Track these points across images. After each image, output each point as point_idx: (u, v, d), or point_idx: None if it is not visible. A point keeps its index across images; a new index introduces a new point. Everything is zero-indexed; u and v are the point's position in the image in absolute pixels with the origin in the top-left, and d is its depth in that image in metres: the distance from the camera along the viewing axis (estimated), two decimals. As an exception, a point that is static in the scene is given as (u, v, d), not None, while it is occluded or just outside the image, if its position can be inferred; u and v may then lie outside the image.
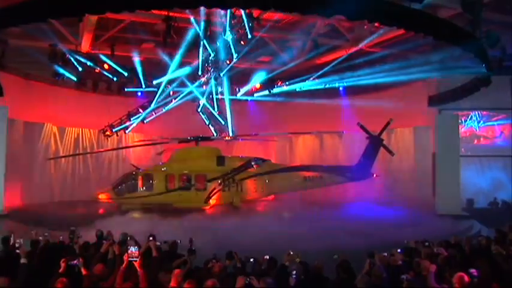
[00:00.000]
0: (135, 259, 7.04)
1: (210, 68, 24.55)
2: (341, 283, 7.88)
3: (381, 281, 7.47)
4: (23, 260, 7.59)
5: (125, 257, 7.18)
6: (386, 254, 9.26)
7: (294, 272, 7.53)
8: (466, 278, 6.68)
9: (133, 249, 7.13)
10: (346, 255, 8.77)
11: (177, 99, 27.48)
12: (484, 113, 27.61)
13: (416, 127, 29.31)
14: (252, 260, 9.13)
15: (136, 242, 10.68)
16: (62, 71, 24.39)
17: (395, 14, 13.03)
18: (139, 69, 25.63)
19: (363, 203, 25.41)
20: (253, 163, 25.88)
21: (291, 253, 9.02)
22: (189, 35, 22.32)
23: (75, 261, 7.37)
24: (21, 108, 25.51)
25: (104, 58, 24.67)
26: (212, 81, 25.74)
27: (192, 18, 21.29)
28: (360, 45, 23.98)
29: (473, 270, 7.17)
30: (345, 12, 12.44)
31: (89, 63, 24.27)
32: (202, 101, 27.12)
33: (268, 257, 9.05)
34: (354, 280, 7.88)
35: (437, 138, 25.79)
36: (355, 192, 27.78)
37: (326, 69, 25.67)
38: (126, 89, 27.64)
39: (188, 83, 26.10)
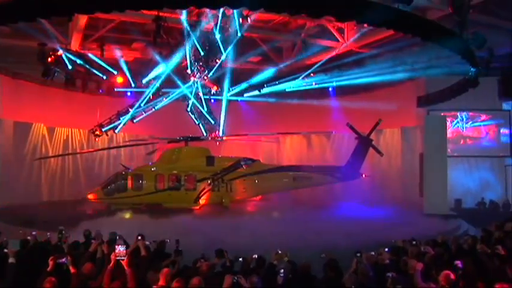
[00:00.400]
0: (122, 258, 7.05)
1: (200, 67, 24.50)
2: (328, 282, 7.95)
3: (367, 279, 7.55)
4: (11, 260, 7.57)
5: (112, 256, 7.18)
6: (373, 253, 9.35)
7: (282, 271, 7.58)
8: (452, 276, 6.78)
9: (120, 249, 7.13)
10: (333, 255, 8.84)
11: (166, 99, 27.39)
12: (471, 114, 27.84)
13: (404, 127, 29.60)
14: (240, 259, 9.16)
15: (125, 242, 10.71)
16: (51, 70, 24.20)
17: (384, 15, 13.12)
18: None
19: (350, 203, 25.57)
20: (242, 163, 25.90)
21: (279, 252, 9.09)
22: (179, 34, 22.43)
23: (63, 259, 7.36)
24: (10, 108, 25.38)
25: (93, 57, 24.54)
26: (201, 81, 25.69)
27: (182, 18, 21.28)
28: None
29: (457, 262, 7.27)
30: (334, 13, 12.52)
31: (78, 61, 24.07)
32: (192, 100, 27.08)
33: (256, 256, 9.09)
34: (341, 279, 7.95)
35: (425, 139, 26.07)
36: (341, 193, 27.93)
37: (313, 68, 25.75)
38: (116, 89, 27.53)
39: (178, 82, 26.05)
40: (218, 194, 25.41)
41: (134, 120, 27.57)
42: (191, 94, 26.73)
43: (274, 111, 30.99)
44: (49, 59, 23.43)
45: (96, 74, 25.75)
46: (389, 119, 26.46)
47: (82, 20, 21.59)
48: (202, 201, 25.21)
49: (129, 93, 28.07)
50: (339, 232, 16.05)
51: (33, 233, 11.37)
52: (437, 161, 25.17)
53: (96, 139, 28.74)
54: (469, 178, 27.29)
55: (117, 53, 24.80)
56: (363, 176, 26.90)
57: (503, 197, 26.35)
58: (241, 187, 26.09)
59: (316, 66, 25.66)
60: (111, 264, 7.15)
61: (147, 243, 9.74)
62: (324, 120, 29.75)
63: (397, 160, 29.27)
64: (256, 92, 28.27)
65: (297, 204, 24.81)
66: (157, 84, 26.33)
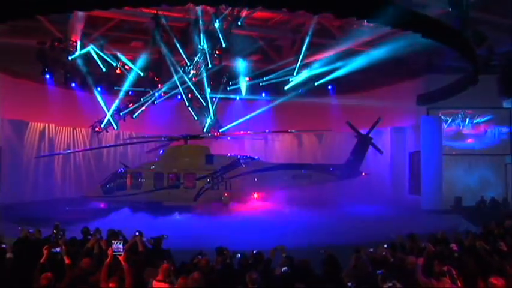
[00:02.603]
0: (119, 253, 7.01)
1: (199, 63, 24.30)
2: (327, 277, 7.91)
3: (366, 275, 7.51)
4: (9, 255, 7.55)
5: (109, 252, 7.16)
6: (371, 250, 9.31)
7: (285, 268, 7.50)
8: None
9: (118, 244, 7.10)
10: (332, 251, 8.81)
11: (167, 95, 27.30)
12: (471, 112, 27.83)
13: (394, 127, 29.82)
14: (238, 255, 9.11)
15: (124, 238, 10.68)
16: (49, 69, 24.13)
17: (383, 11, 13.06)
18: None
19: (343, 201, 25.68)
20: (242, 161, 25.90)
21: (278, 248, 9.05)
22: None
23: (58, 249, 7.34)
24: (7, 106, 25.32)
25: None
26: (203, 76, 25.56)
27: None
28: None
29: (453, 245, 7.20)
30: (332, 10, 12.46)
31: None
32: (192, 96, 27.05)
33: (255, 252, 9.04)
34: (339, 274, 7.92)
35: (422, 139, 26.83)
36: (331, 192, 28.10)
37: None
38: (115, 88, 27.42)
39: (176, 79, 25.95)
40: (218, 192, 25.38)
41: (134, 116, 27.44)
42: (191, 91, 26.62)
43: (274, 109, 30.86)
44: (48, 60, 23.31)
45: (94, 73, 25.63)
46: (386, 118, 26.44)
47: (81, 17, 21.56)
48: (201, 199, 25.16)
49: (130, 92, 27.89)
50: (337, 229, 16.05)
51: (30, 230, 11.32)
52: (434, 160, 26.07)
53: (97, 135, 28.73)
54: (469, 176, 27.29)
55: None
56: (363, 174, 26.86)
57: (503, 195, 26.28)
58: (240, 185, 26.04)
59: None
60: (108, 260, 7.12)
61: (145, 239, 9.69)
62: (320, 118, 29.67)
63: (386, 159, 29.24)
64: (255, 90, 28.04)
65: (295, 202, 24.84)
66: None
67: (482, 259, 8.67)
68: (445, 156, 27.25)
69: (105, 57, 24.24)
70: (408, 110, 27.58)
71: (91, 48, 23.55)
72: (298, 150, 34.07)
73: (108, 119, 27.14)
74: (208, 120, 27.27)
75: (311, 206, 24.00)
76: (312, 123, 29.51)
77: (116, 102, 26.36)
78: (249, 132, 28.17)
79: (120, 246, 7.08)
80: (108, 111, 26.77)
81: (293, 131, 30.18)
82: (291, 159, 30.54)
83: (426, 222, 18.94)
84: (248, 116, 27.44)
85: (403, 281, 6.80)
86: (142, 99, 26.77)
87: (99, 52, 23.91)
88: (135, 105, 27.03)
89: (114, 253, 7.04)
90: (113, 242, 7.26)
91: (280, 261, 8.35)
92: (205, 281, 6.83)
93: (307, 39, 23.25)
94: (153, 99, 26.75)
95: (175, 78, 25.54)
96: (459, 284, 6.94)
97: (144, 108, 27.38)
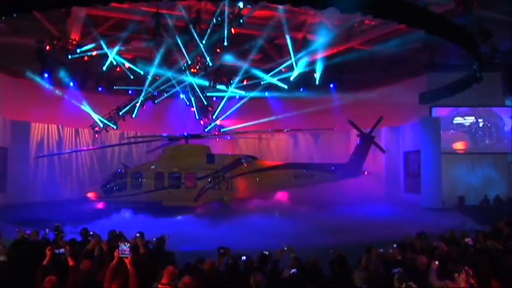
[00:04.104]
0: (126, 256, 6.78)
1: (199, 60, 23.94)
2: (336, 278, 7.66)
3: (379, 276, 7.27)
4: (2, 258, 7.31)
5: (116, 254, 6.93)
6: (382, 250, 9.05)
7: (294, 270, 7.23)
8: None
9: (124, 247, 6.87)
10: (341, 251, 8.57)
11: (168, 93, 27.10)
12: (473, 110, 27.57)
13: (390, 127, 29.61)
14: (244, 257, 8.84)
15: (126, 239, 10.43)
16: (49, 68, 23.88)
17: (389, 6, 12.83)
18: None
19: (341, 201, 25.35)
20: (243, 161, 25.67)
21: (285, 249, 8.79)
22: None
23: (61, 250, 7.10)
24: (9, 107, 25.09)
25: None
26: (203, 74, 25.31)
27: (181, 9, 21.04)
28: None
29: (468, 239, 6.96)
30: (338, 5, 12.21)
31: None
32: (193, 94, 26.89)
33: (266, 253, 8.75)
34: (349, 275, 7.67)
35: (422, 139, 27.15)
36: (326, 191, 27.67)
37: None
38: (115, 87, 27.22)
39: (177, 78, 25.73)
40: (219, 191, 25.12)
41: (133, 115, 27.22)
42: (192, 89, 26.44)
43: (275, 107, 30.63)
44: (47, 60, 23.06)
45: (95, 72, 25.43)
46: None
47: (81, 16, 21.35)
48: (202, 199, 24.90)
49: (129, 92, 27.65)
50: (343, 228, 15.84)
51: (28, 232, 11.03)
52: (434, 159, 26.49)
53: (97, 135, 28.47)
54: (472, 175, 27.00)
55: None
56: (365, 173, 26.62)
57: (507, 194, 26.04)
58: (242, 185, 25.81)
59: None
60: (114, 262, 6.91)
61: (150, 240, 9.48)
62: (322, 117, 29.39)
63: (381, 158, 29.07)
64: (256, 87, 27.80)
65: (294, 202, 24.68)
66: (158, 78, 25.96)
67: (495, 259, 8.42)
68: (447, 155, 27.11)
69: (106, 57, 24.00)
70: (410, 108, 27.31)
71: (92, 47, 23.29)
72: (293, 149, 33.84)
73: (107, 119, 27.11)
74: (210, 119, 27.15)
75: (310, 206, 23.89)
76: (313, 122, 29.21)
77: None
78: (250, 131, 27.94)
79: (127, 248, 6.84)
80: (118, 111, 26.77)
81: (288, 130, 29.82)
82: (286, 159, 30.16)
83: (430, 221, 18.71)
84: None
85: (417, 282, 6.55)
86: (141, 98, 26.58)
87: (99, 51, 23.66)
88: (130, 104, 26.85)
89: (120, 256, 6.82)
90: (119, 244, 7.03)
91: (289, 262, 8.10)
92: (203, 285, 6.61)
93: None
94: (147, 96, 26.52)
95: (176, 77, 25.40)
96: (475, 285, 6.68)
97: (143, 107, 27.22)
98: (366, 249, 8.44)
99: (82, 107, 26.96)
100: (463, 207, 25.24)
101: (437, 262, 7.06)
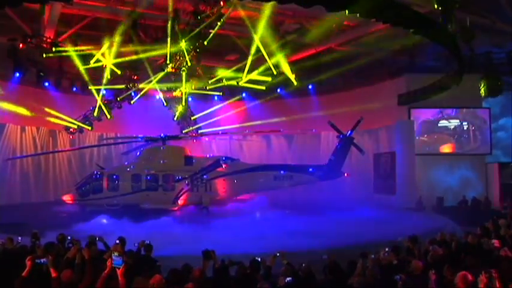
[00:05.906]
0: (118, 266, 6.43)
1: (178, 60, 23.46)
2: (331, 285, 7.37)
3: (375, 281, 7.00)
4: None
5: (109, 263, 6.57)
6: (374, 255, 8.78)
7: (289, 279, 6.89)
8: (470, 277, 6.22)
9: (117, 257, 6.53)
10: (335, 256, 8.30)
11: (142, 92, 26.58)
12: (451, 111, 27.77)
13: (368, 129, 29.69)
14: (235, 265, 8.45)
15: (105, 244, 9.97)
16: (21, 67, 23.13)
17: (373, 5, 12.67)
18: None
19: (315, 203, 25.49)
20: (222, 162, 25.29)
21: (277, 255, 8.43)
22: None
23: (43, 259, 6.63)
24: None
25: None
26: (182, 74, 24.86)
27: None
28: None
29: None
30: (324, 3, 12.00)
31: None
32: (168, 95, 26.46)
33: (258, 259, 8.35)
34: (343, 281, 7.40)
35: (397, 142, 27.97)
36: (300, 194, 27.98)
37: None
38: (89, 87, 26.52)
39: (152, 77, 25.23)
40: (197, 194, 24.67)
41: (109, 116, 26.61)
42: (169, 90, 25.99)
43: (253, 109, 30.39)
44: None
45: (69, 72, 24.75)
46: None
47: (55, 14, 20.72)
48: (180, 201, 24.44)
49: (104, 92, 26.98)
50: (333, 232, 15.61)
51: (2, 241, 10.35)
52: (408, 160, 27.22)
53: (71, 136, 27.77)
54: (450, 176, 27.18)
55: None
56: (345, 175, 26.50)
57: (484, 195, 26.26)
58: (221, 187, 25.41)
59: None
60: (106, 271, 6.55)
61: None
62: (301, 118, 29.28)
63: (351, 160, 28.98)
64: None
65: (273, 204, 24.48)
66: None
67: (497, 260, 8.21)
68: (425, 157, 27.33)
69: (81, 56, 23.34)
70: (389, 109, 27.39)
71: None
72: (267, 151, 33.69)
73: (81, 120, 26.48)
74: (187, 120, 26.73)
75: (288, 208, 23.72)
76: (290, 124, 29.07)
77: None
78: (228, 132, 27.61)
79: (120, 259, 6.44)
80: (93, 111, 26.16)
81: (266, 131, 29.62)
82: (259, 161, 29.97)
83: (413, 223, 18.59)
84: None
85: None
86: (118, 99, 26.03)
87: (74, 50, 22.99)
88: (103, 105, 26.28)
89: (113, 266, 6.46)
90: (112, 254, 6.68)
91: (281, 268, 7.76)
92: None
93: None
94: (124, 96, 26.01)
95: (153, 76, 24.93)
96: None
97: (120, 108, 26.67)
98: (361, 255, 8.17)
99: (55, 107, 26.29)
100: (442, 208, 25.32)
101: (434, 273, 6.73)
